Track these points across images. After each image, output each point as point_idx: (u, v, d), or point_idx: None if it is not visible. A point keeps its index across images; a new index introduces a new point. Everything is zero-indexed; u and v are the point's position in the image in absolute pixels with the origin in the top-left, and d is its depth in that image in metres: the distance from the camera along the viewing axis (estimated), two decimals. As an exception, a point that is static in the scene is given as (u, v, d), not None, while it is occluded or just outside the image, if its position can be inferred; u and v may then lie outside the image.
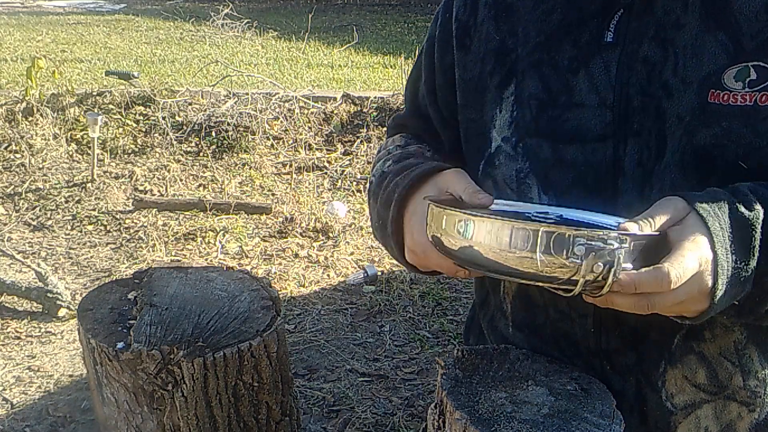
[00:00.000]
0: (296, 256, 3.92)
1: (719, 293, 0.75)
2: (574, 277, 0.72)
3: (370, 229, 4.23)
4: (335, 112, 5.39)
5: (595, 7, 0.90)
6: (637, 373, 0.95)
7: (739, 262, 0.76)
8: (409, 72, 1.18)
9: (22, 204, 4.50)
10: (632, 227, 0.74)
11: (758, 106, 0.82)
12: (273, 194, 4.67)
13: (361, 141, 5.15)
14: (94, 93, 5.45)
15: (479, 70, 0.99)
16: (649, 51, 0.86)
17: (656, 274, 0.72)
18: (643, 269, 0.72)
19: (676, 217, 0.77)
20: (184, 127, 5.19)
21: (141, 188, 4.67)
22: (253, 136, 5.12)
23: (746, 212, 0.78)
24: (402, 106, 1.23)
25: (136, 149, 5.08)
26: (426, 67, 1.08)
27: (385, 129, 1.20)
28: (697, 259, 0.74)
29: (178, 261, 3.84)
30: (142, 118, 5.31)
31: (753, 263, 0.77)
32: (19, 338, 3.16)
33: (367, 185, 1.14)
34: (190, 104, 5.42)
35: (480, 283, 1.15)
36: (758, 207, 0.78)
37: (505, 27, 0.97)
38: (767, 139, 0.82)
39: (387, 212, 0.97)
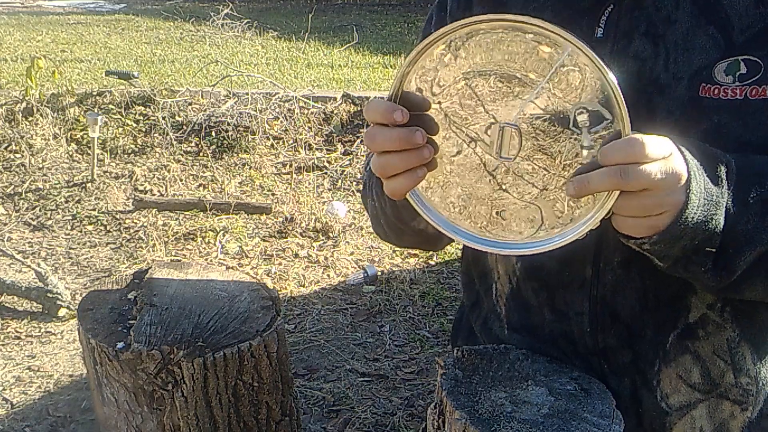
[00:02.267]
0: (296, 256, 3.92)
1: (694, 184, 0.74)
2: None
3: (370, 229, 4.25)
4: (335, 112, 5.40)
5: (585, 3, 0.90)
6: (633, 373, 0.96)
7: (707, 176, 0.76)
8: None
9: (22, 204, 4.50)
10: None
11: (748, 100, 0.83)
12: (273, 194, 4.67)
13: (361, 141, 5.15)
14: (94, 93, 5.45)
15: None
16: (639, 47, 0.87)
17: (627, 139, 0.71)
18: (617, 140, 0.72)
19: None
20: (184, 127, 5.19)
21: (141, 188, 4.67)
22: (253, 136, 5.13)
23: (710, 148, 0.79)
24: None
25: (136, 149, 5.08)
26: None
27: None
28: (667, 144, 0.73)
29: (178, 261, 3.84)
30: (142, 118, 5.31)
31: (723, 191, 0.77)
32: (19, 338, 3.16)
33: (362, 185, 1.14)
34: (190, 104, 5.42)
35: (469, 286, 1.14)
36: (723, 155, 0.79)
37: None
38: (757, 133, 0.83)
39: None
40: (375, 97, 0.91)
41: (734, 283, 0.81)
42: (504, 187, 0.80)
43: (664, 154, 0.72)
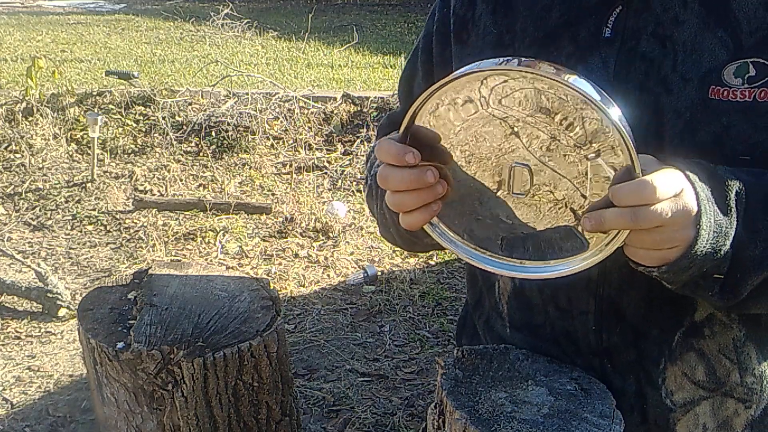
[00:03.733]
0: (296, 256, 3.92)
1: (704, 219, 0.75)
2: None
3: (370, 229, 4.24)
4: (335, 112, 5.40)
5: (594, 3, 0.90)
6: (638, 371, 0.96)
7: (717, 206, 0.77)
8: None
9: (22, 204, 4.50)
10: None
11: (757, 102, 0.83)
12: (273, 194, 4.67)
13: (361, 141, 5.15)
14: (94, 93, 5.45)
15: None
16: (647, 47, 0.87)
17: (639, 182, 0.72)
18: (630, 182, 0.73)
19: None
20: (184, 127, 5.19)
21: (141, 188, 4.67)
22: (253, 136, 5.13)
23: (720, 172, 0.79)
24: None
25: (136, 149, 5.08)
26: (423, 62, 1.08)
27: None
28: (678, 179, 0.75)
29: (178, 261, 3.84)
30: (142, 118, 5.31)
31: (732, 220, 0.78)
32: (19, 338, 3.16)
33: (365, 186, 1.14)
34: (190, 104, 5.42)
35: (473, 284, 1.15)
36: (734, 179, 0.79)
37: (503, 22, 0.97)
38: (766, 134, 0.83)
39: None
40: (385, 138, 0.91)
41: (740, 302, 0.83)
42: (520, 215, 0.82)
43: (675, 192, 0.74)
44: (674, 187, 0.74)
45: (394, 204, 0.84)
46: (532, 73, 0.73)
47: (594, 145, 0.75)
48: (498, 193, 0.82)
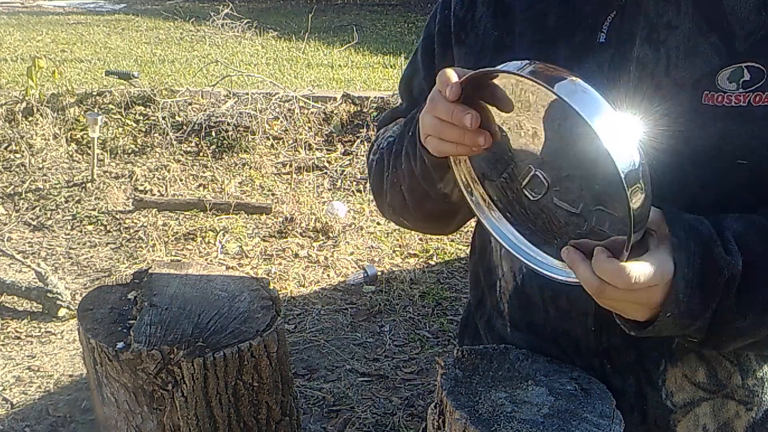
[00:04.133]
0: (296, 256, 3.92)
1: (660, 320, 0.79)
2: None
3: (370, 229, 4.23)
4: (335, 112, 5.39)
5: (589, 8, 0.90)
6: (638, 372, 0.96)
7: (694, 297, 0.78)
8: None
9: (22, 204, 4.50)
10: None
11: (752, 107, 0.83)
12: (273, 194, 4.67)
13: (361, 141, 5.15)
14: (94, 93, 5.45)
15: (474, 64, 0.99)
16: (641, 51, 0.87)
17: (619, 270, 0.75)
18: (612, 261, 0.75)
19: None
20: (184, 127, 5.19)
21: (141, 188, 4.67)
22: (253, 136, 5.12)
23: (716, 254, 0.79)
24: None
25: (136, 149, 5.08)
26: (423, 63, 1.09)
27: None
28: (659, 273, 0.76)
29: (178, 261, 3.84)
30: (142, 118, 5.31)
31: (712, 304, 0.79)
32: (19, 338, 3.16)
33: (370, 162, 1.14)
34: (190, 104, 5.42)
35: (475, 283, 1.15)
36: (736, 259, 0.79)
37: (503, 24, 0.98)
38: (762, 139, 0.83)
39: (404, 138, 1.01)
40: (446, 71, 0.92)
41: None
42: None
43: (648, 284, 0.76)
44: (651, 281, 0.76)
45: (432, 127, 0.85)
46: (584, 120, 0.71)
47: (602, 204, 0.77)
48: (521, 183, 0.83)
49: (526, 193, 0.83)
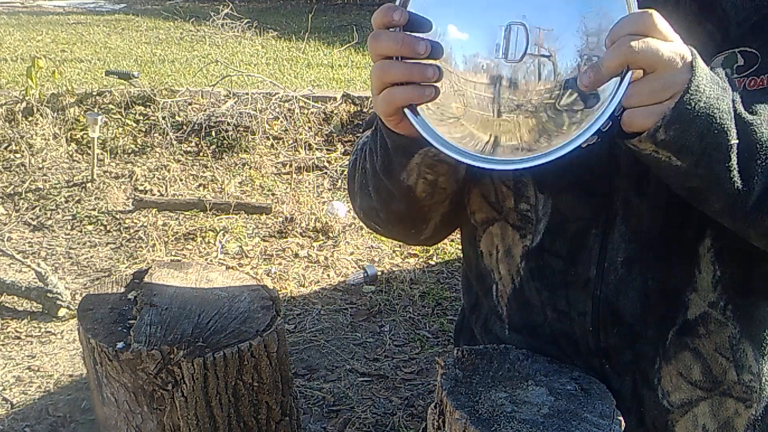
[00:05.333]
0: (296, 256, 3.92)
1: (699, 65, 0.72)
2: None
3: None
4: (335, 112, 5.39)
5: None
6: (634, 372, 0.96)
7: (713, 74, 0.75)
8: None
9: (22, 204, 4.50)
10: None
11: (747, 91, 0.83)
12: (273, 194, 4.67)
13: (361, 141, 5.15)
14: (94, 93, 5.45)
15: None
16: None
17: (639, 13, 0.70)
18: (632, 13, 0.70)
19: None
20: (184, 127, 5.19)
21: (141, 188, 4.67)
22: (253, 136, 5.12)
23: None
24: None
25: (136, 149, 5.08)
26: None
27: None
28: (673, 32, 0.73)
29: (178, 261, 3.84)
30: (142, 118, 5.31)
31: (726, 86, 0.76)
32: (19, 338, 3.16)
33: (348, 168, 1.09)
34: (190, 104, 5.42)
35: (468, 289, 1.14)
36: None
37: None
38: None
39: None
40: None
41: (752, 209, 0.79)
42: (505, 109, 0.76)
43: (671, 34, 0.72)
44: (670, 31, 0.72)
45: (380, 71, 0.78)
46: None
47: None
48: (490, 73, 0.75)
49: (511, 59, 0.74)
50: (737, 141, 0.75)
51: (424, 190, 0.93)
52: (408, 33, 0.77)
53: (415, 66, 0.76)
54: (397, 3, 0.78)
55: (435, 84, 0.77)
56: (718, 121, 0.74)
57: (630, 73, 0.71)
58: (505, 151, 0.77)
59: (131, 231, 4.19)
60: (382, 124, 0.87)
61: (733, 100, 0.76)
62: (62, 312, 3.30)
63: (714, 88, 0.74)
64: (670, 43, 0.71)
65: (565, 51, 0.73)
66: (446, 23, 0.77)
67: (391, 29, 0.77)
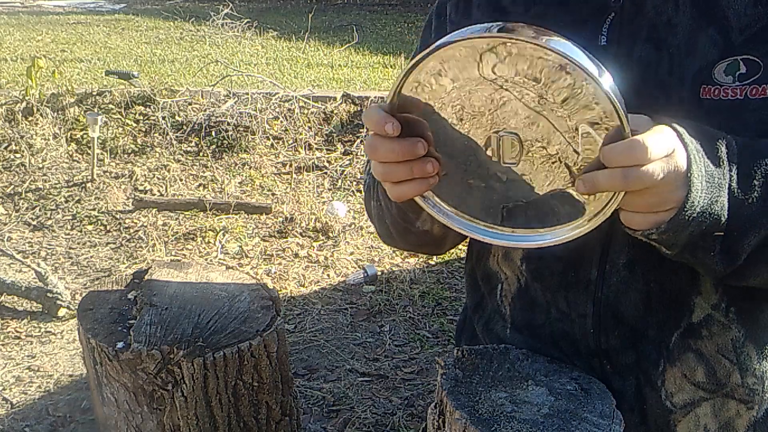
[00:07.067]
0: (296, 256, 3.92)
1: (695, 169, 0.75)
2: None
3: (371, 229, 4.24)
4: (335, 112, 5.39)
5: (587, 11, 0.90)
6: (637, 373, 0.96)
7: (708, 160, 0.76)
8: None
9: (22, 204, 4.50)
10: None
11: (749, 99, 0.83)
12: (273, 194, 4.67)
13: (361, 141, 5.15)
14: (94, 93, 5.45)
15: None
16: (642, 52, 0.87)
17: (629, 143, 0.72)
18: (621, 142, 0.72)
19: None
20: (184, 127, 5.19)
21: (141, 188, 4.67)
22: (253, 136, 5.12)
23: (710, 129, 0.79)
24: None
25: (136, 149, 5.08)
26: None
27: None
28: (669, 138, 0.74)
29: (178, 261, 3.84)
30: (142, 118, 5.31)
31: (725, 172, 0.77)
32: (19, 338, 3.16)
33: (364, 186, 1.14)
34: (190, 104, 5.42)
35: (473, 288, 1.14)
36: (724, 136, 0.79)
37: None
38: (758, 132, 0.83)
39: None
40: (372, 104, 0.90)
41: (739, 270, 0.82)
42: (515, 178, 0.80)
43: (667, 152, 0.73)
44: (666, 147, 0.73)
45: (382, 173, 0.82)
46: (511, 39, 0.72)
47: (576, 101, 0.74)
48: (492, 158, 0.80)
49: (507, 162, 0.79)
50: (725, 230, 0.79)
51: (442, 230, 0.95)
52: (403, 139, 0.79)
53: (416, 166, 0.80)
54: (389, 100, 0.80)
55: (436, 174, 0.81)
56: (709, 222, 0.77)
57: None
58: (516, 224, 0.83)
59: (131, 231, 4.19)
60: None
61: (729, 184, 0.78)
62: (62, 312, 3.30)
63: (709, 190, 0.76)
64: (665, 161, 0.73)
65: (559, 146, 0.77)
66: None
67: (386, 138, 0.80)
